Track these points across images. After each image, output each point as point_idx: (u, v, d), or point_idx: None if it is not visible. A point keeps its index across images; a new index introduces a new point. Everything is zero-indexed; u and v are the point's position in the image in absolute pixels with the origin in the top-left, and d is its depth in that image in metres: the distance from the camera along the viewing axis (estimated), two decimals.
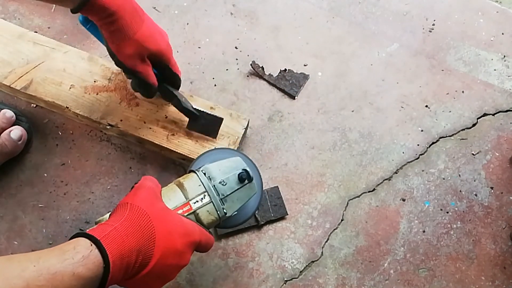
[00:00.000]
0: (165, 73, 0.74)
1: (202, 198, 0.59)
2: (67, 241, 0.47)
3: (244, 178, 0.61)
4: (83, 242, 0.46)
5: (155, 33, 0.68)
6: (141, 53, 0.66)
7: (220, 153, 0.69)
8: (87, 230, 0.49)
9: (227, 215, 0.61)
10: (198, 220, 0.59)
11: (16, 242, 0.76)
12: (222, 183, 0.60)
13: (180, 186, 0.60)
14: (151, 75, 0.70)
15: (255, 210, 0.68)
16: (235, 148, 0.78)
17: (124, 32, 0.63)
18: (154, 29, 0.68)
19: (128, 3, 0.63)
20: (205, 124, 0.78)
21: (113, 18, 0.62)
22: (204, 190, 0.59)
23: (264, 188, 0.80)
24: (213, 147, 0.77)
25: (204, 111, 0.78)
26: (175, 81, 0.76)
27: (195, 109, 0.77)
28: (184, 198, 0.59)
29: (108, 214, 0.57)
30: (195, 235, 0.56)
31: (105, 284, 0.46)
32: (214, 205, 0.59)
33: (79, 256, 0.45)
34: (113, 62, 0.70)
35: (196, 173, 0.61)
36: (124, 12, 0.62)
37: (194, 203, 0.58)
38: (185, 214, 0.58)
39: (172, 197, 0.58)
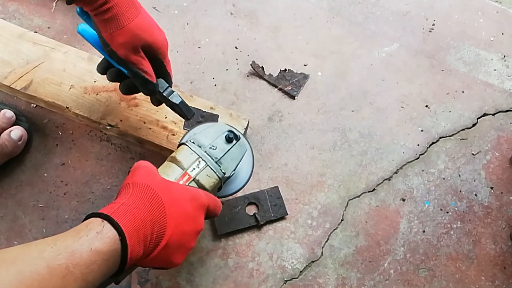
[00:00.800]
0: (158, 70, 0.69)
1: (197, 165, 0.60)
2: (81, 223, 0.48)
3: (231, 137, 0.63)
4: (94, 220, 0.47)
5: (151, 24, 0.65)
6: (136, 43, 0.63)
7: (204, 126, 0.69)
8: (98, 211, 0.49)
9: (226, 175, 0.62)
10: (201, 186, 0.60)
11: (16, 242, 0.76)
12: (212, 147, 0.62)
13: (174, 160, 0.60)
14: (147, 66, 0.66)
15: (252, 169, 0.69)
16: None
17: (118, 20, 0.61)
18: (150, 20, 0.65)
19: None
20: (201, 122, 0.78)
21: (107, 5, 0.60)
22: (198, 156, 0.60)
23: (264, 188, 0.80)
24: None
25: (200, 109, 0.79)
26: (167, 81, 0.72)
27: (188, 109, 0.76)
28: (181, 170, 0.59)
29: None
30: (202, 198, 0.56)
31: (127, 258, 0.47)
32: (211, 167, 0.60)
33: (93, 232, 0.45)
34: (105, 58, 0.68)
35: (185, 144, 0.62)
36: (119, 0, 0.61)
37: (192, 171, 0.59)
38: (186, 184, 0.59)
39: (169, 172, 0.59)
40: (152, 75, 0.67)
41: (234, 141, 0.64)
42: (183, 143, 0.62)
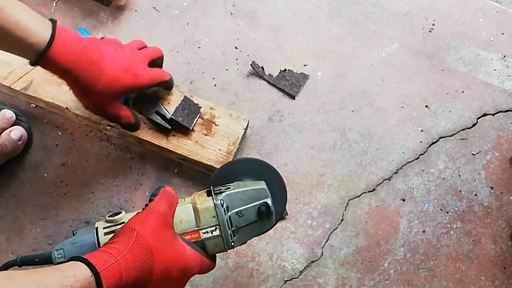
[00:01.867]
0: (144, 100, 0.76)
1: (213, 231, 0.57)
2: (70, 261, 0.48)
3: (263, 211, 0.59)
4: (84, 271, 0.47)
5: (117, 74, 0.66)
6: (110, 98, 0.67)
7: (245, 164, 0.66)
8: (90, 256, 0.49)
9: (234, 247, 0.59)
10: (203, 248, 0.58)
11: (16, 242, 0.76)
12: (239, 214, 0.58)
13: (195, 211, 0.58)
14: (126, 115, 0.71)
15: (276, 222, 0.65)
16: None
17: (85, 86, 0.64)
18: (114, 70, 0.66)
19: (83, 56, 0.62)
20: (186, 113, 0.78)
21: (70, 75, 0.62)
22: (217, 223, 0.57)
23: None
24: (212, 148, 0.77)
25: (190, 98, 0.79)
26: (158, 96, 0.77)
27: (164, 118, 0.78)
28: (195, 226, 0.57)
29: (123, 213, 0.58)
30: (194, 269, 0.56)
31: None
32: (223, 239, 0.58)
33: (78, 285, 0.46)
34: None
35: (214, 201, 0.58)
36: (79, 69, 0.62)
37: (204, 233, 0.57)
38: (192, 241, 0.57)
39: (184, 220, 0.58)
40: (131, 119, 0.73)
41: (265, 215, 0.59)
42: (212, 197, 0.58)
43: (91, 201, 0.79)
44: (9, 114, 0.77)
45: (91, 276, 0.47)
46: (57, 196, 0.79)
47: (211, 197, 0.59)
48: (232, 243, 0.58)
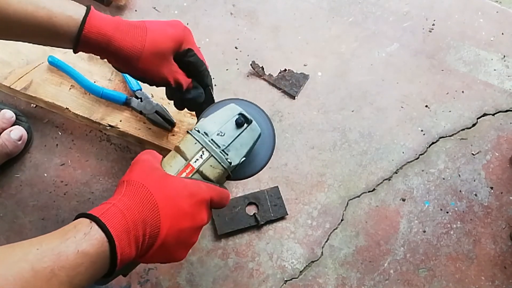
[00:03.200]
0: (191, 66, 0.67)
1: (201, 155, 0.57)
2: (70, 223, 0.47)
3: (241, 122, 0.59)
4: (83, 221, 0.46)
5: (163, 28, 0.63)
6: (162, 58, 0.62)
7: (216, 107, 0.65)
8: (88, 211, 0.48)
9: (233, 164, 0.58)
10: (205, 178, 0.57)
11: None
12: (220, 134, 0.58)
13: (178, 150, 0.58)
14: (185, 80, 0.65)
15: (272, 150, 0.65)
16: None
17: (131, 51, 0.60)
18: (160, 26, 0.63)
19: (122, 22, 0.60)
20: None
21: (112, 43, 0.59)
22: (201, 146, 0.57)
23: (264, 188, 0.80)
24: None
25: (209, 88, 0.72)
26: (201, 71, 0.68)
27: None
28: (184, 160, 0.57)
29: None
30: (201, 193, 0.54)
31: (117, 261, 0.46)
32: (215, 157, 0.57)
33: (81, 234, 0.45)
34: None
35: (189, 133, 0.58)
36: (123, 32, 0.59)
37: (195, 162, 0.57)
38: (190, 176, 0.56)
39: (172, 163, 0.57)
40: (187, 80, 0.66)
41: (245, 125, 0.59)
42: (188, 132, 0.59)
43: (91, 201, 0.79)
44: (9, 114, 0.77)
45: (90, 222, 0.46)
46: (57, 196, 0.79)
47: (187, 133, 0.59)
48: (228, 160, 0.58)
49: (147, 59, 0.61)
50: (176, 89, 0.66)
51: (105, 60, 0.62)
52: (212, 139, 0.58)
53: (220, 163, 0.57)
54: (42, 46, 0.61)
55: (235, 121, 0.59)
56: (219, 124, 0.59)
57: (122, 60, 0.60)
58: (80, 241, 0.44)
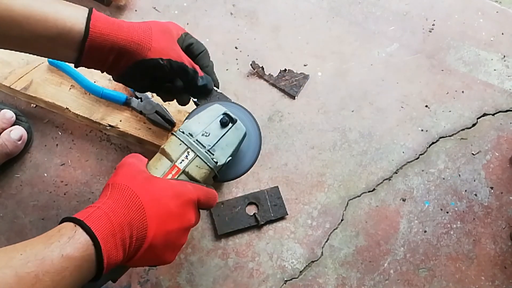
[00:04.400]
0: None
1: (186, 156, 0.57)
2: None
3: (226, 121, 0.59)
4: (67, 225, 0.46)
5: (157, 21, 0.63)
6: (173, 43, 0.62)
7: (201, 108, 0.65)
8: (73, 215, 0.48)
9: (219, 163, 0.58)
10: (191, 178, 0.57)
11: (16, 242, 0.76)
12: (205, 134, 0.58)
13: (163, 152, 0.58)
14: (191, 64, 0.64)
15: (258, 150, 0.65)
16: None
17: (143, 41, 0.59)
18: (160, 22, 0.63)
19: (124, 23, 0.59)
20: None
21: (122, 37, 0.57)
22: (186, 147, 0.57)
23: (264, 188, 0.80)
24: None
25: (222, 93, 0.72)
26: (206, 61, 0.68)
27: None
28: (169, 162, 0.57)
29: None
30: (188, 193, 0.54)
31: (103, 263, 0.45)
32: (201, 158, 0.57)
33: (65, 238, 0.44)
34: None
35: (174, 134, 0.58)
36: (127, 27, 0.58)
37: (180, 163, 0.56)
38: (176, 177, 0.56)
39: (158, 165, 0.57)
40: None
41: (230, 124, 0.60)
42: (172, 133, 0.59)
43: (91, 201, 0.79)
44: (9, 114, 0.77)
45: (75, 225, 0.45)
46: (57, 196, 0.79)
47: (171, 135, 0.59)
48: (214, 160, 0.58)
49: (160, 38, 0.60)
50: (191, 74, 0.64)
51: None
52: (197, 140, 0.58)
53: (206, 163, 0.57)
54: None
55: (220, 120, 0.59)
56: (203, 125, 0.59)
57: (135, 46, 0.58)
58: (64, 245, 0.43)
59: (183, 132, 0.58)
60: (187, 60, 0.63)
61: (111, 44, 0.57)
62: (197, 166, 0.57)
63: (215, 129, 0.59)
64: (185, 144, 0.57)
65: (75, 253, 0.44)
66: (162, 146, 0.59)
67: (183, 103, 0.69)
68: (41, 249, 0.43)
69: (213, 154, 0.58)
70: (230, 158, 0.60)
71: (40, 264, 0.42)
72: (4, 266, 0.41)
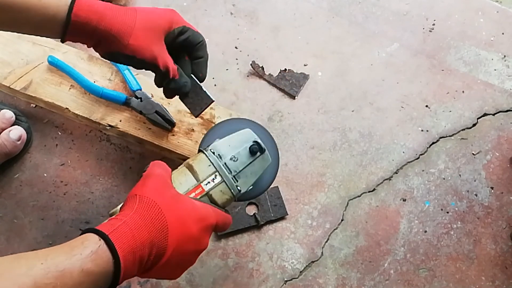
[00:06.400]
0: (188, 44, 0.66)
1: (213, 179, 0.57)
2: (78, 237, 0.47)
3: (255, 151, 0.59)
4: (92, 237, 0.46)
5: (152, 9, 0.63)
6: (155, 35, 0.61)
7: (229, 125, 0.65)
8: (97, 226, 0.48)
9: (241, 191, 0.59)
10: (212, 201, 0.57)
11: (16, 242, 0.76)
12: (233, 159, 0.58)
13: (190, 168, 0.57)
14: (172, 64, 0.63)
15: (272, 179, 0.65)
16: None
17: (124, 26, 0.59)
18: (148, 8, 0.63)
19: (109, 3, 0.60)
20: (194, 99, 0.71)
21: (105, 20, 0.58)
22: (215, 170, 0.57)
23: None
24: None
25: (202, 88, 0.71)
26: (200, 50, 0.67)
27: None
28: (195, 181, 0.56)
29: (120, 206, 0.56)
30: (210, 218, 0.54)
31: (119, 280, 0.46)
32: (226, 184, 0.57)
33: (88, 251, 0.44)
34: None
35: (204, 153, 0.58)
36: (112, 10, 0.59)
37: (206, 184, 0.56)
38: (198, 197, 0.56)
39: (183, 181, 0.56)
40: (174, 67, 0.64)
41: (258, 153, 0.59)
42: (202, 151, 0.59)
43: (91, 201, 0.79)
44: (8, 114, 0.77)
45: (100, 239, 0.45)
46: (57, 196, 0.78)
47: (201, 151, 0.59)
48: (238, 187, 0.58)
49: (139, 35, 0.60)
50: (162, 75, 0.64)
51: (99, 56, 0.62)
52: (225, 163, 0.58)
53: (230, 190, 0.58)
54: (39, 44, 0.61)
55: (250, 148, 0.59)
56: (233, 149, 0.59)
57: (112, 38, 0.59)
58: (86, 259, 0.43)
59: (213, 153, 0.58)
60: (162, 61, 0.62)
61: (91, 31, 0.58)
62: (221, 191, 0.57)
63: (243, 156, 0.59)
64: (214, 166, 0.57)
65: (95, 269, 0.44)
66: (189, 162, 0.58)
67: (165, 96, 0.69)
68: (62, 260, 0.43)
69: (237, 181, 0.58)
70: (251, 187, 0.60)
71: (59, 276, 0.42)
72: (24, 274, 0.40)
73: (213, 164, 0.57)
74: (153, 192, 0.52)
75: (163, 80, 0.65)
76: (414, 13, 0.96)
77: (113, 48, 0.60)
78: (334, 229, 0.79)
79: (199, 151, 0.60)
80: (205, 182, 0.57)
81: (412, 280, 0.77)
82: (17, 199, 0.78)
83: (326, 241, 0.78)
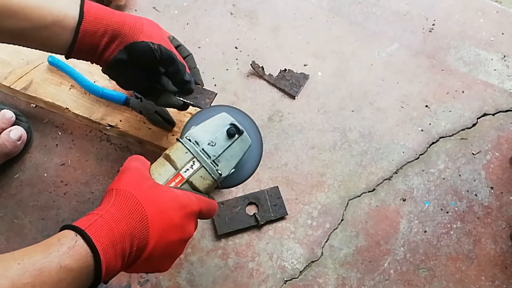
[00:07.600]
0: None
1: (192, 165, 0.56)
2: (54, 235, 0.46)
3: (233, 133, 0.58)
4: (68, 233, 0.45)
5: (152, 22, 0.64)
6: (162, 31, 0.64)
7: (207, 112, 0.64)
8: (74, 222, 0.47)
9: (223, 175, 0.58)
10: (194, 188, 0.57)
11: (16, 242, 0.76)
12: (211, 144, 0.57)
13: (167, 158, 0.57)
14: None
15: (257, 163, 0.64)
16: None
17: (134, 22, 0.60)
18: (147, 20, 0.63)
19: (115, 12, 0.60)
20: (199, 98, 0.71)
21: (117, 18, 0.58)
22: (192, 156, 0.56)
23: (264, 188, 0.80)
24: None
25: (199, 86, 0.71)
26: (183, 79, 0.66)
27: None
28: (174, 170, 0.56)
29: None
30: (192, 205, 0.53)
31: (101, 274, 0.45)
32: (206, 168, 0.56)
33: (65, 248, 0.43)
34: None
35: (180, 141, 0.58)
36: (122, 16, 0.60)
37: (185, 172, 0.56)
38: (179, 186, 0.56)
39: (161, 171, 0.56)
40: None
41: (236, 135, 0.59)
42: (178, 140, 0.58)
43: (91, 201, 0.79)
44: (8, 114, 0.77)
45: (76, 235, 0.44)
46: (57, 196, 0.79)
47: (177, 141, 0.58)
48: (219, 171, 0.57)
49: (150, 27, 0.61)
50: (177, 69, 0.63)
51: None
52: (203, 149, 0.57)
53: (210, 174, 0.57)
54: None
55: (227, 131, 0.58)
56: (210, 134, 0.58)
57: (127, 28, 0.59)
58: (63, 255, 0.43)
59: (189, 140, 0.58)
60: (177, 53, 0.63)
61: (105, 27, 0.58)
62: (201, 176, 0.57)
63: (221, 139, 0.58)
64: (191, 153, 0.57)
65: (74, 265, 0.43)
66: (166, 152, 0.58)
67: (164, 102, 0.68)
68: (39, 259, 0.42)
69: (217, 165, 0.58)
70: (234, 170, 0.60)
71: (37, 275, 0.41)
72: (0, 276, 0.40)
73: (189, 150, 0.57)
74: (130, 184, 0.51)
75: (179, 72, 0.63)
76: (414, 13, 0.96)
77: (128, 38, 0.59)
78: (334, 229, 0.79)
79: (177, 140, 0.60)
80: (184, 169, 0.56)
81: (412, 280, 0.77)
82: (17, 199, 0.78)
83: (326, 241, 0.79)
